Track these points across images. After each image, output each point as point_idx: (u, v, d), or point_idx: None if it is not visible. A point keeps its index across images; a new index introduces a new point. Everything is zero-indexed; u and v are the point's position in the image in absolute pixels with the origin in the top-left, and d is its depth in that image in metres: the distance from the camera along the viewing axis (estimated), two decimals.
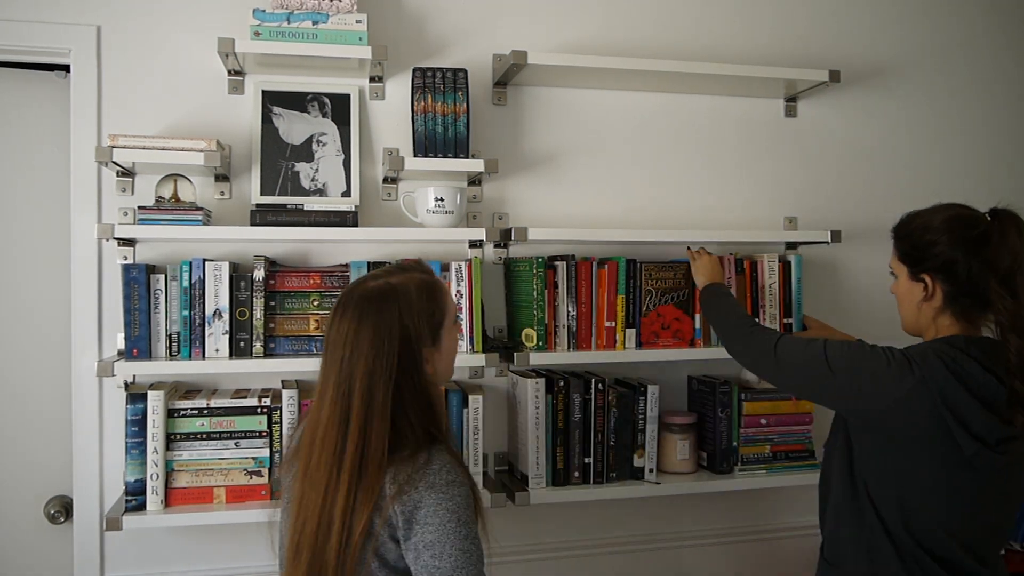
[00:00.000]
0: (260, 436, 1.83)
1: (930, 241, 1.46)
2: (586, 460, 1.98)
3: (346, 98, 1.99)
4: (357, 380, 1.25)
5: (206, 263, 1.81)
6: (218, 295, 1.81)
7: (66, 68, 1.92)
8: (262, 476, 1.83)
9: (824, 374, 1.46)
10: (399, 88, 2.07)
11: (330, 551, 1.21)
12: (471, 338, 1.91)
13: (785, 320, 2.11)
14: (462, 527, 1.21)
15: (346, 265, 1.91)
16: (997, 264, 1.39)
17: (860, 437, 1.46)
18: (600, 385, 1.98)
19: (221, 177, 1.95)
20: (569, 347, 1.96)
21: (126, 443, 1.76)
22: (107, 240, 1.83)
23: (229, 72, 1.97)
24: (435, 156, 1.94)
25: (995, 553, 1.46)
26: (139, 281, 1.78)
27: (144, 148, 1.75)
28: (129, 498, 1.76)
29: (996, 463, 1.35)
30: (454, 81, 1.96)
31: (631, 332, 2.01)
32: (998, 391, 1.34)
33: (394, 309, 1.28)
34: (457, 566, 1.19)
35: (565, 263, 1.96)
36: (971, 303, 1.44)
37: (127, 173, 1.91)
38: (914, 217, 1.54)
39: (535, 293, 1.94)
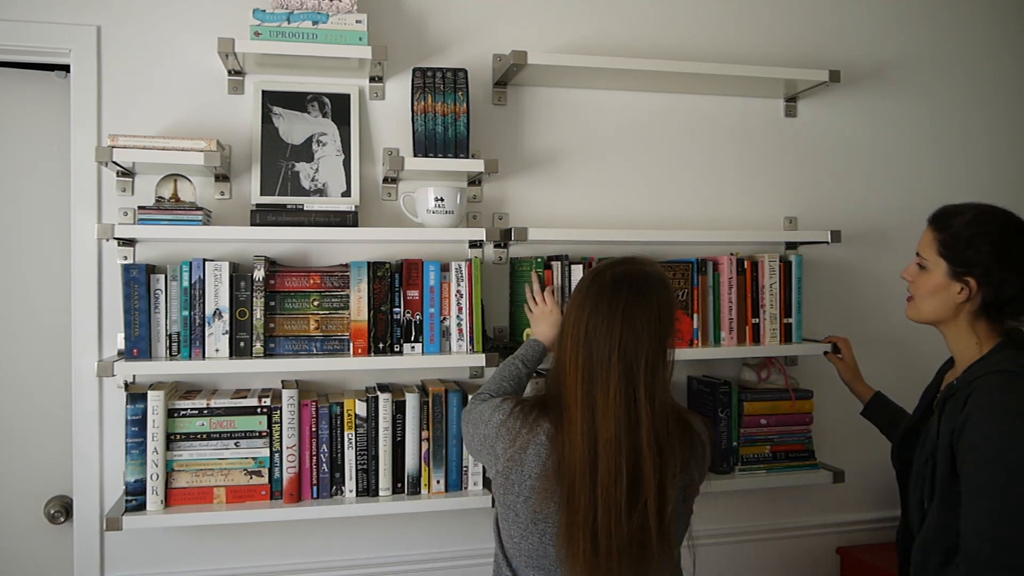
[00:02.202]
0: (260, 436, 1.83)
1: (984, 251, 1.48)
2: None
3: (346, 98, 1.99)
4: (641, 358, 1.35)
5: (206, 263, 1.81)
6: (218, 295, 1.81)
7: (66, 68, 1.92)
8: (262, 476, 1.83)
9: None
10: (399, 88, 2.07)
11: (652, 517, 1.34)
12: (471, 338, 1.91)
13: (785, 320, 2.11)
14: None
15: (346, 265, 1.91)
16: None
17: None
18: None
19: (221, 177, 1.96)
20: None
21: (126, 443, 1.77)
22: (107, 240, 1.83)
23: (229, 72, 1.97)
24: (435, 156, 1.94)
25: None
26: (139, 281, 1.78)
27: (144, 148, 1.75)
28: (129, 498, 1.76)
29: None
30: (454, 81, 1.96)
31: None
32: None
33: (662, 288, 1.41)
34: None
35: (559, 264, 1.96)
36: (1014, 311, 1.50)
37: (127, 173, 1.91)
38: (959, 214, 1.53)
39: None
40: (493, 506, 1.88)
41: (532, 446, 1.40)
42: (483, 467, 2.01)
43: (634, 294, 1.37)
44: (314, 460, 1.86)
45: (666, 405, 1.39)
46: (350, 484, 1.87)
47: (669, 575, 1.43)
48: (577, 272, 1.95)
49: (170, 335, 1.80)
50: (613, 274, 1.40)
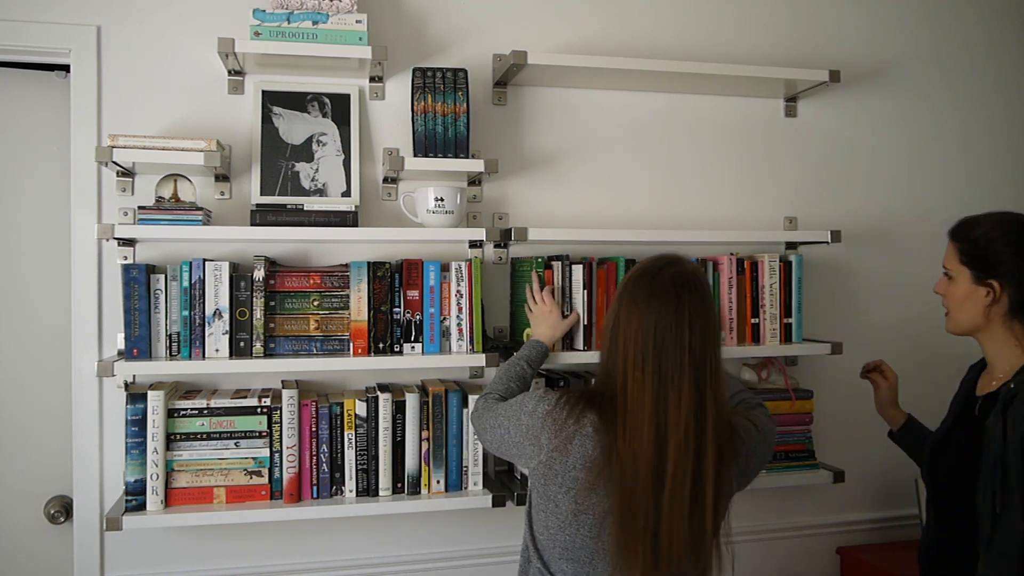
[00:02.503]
0: (260, 436, 1.83)
1: (1003, 253, 1.53)
2: None
3: (346, 98, 1.99)
4: (709, 356, 1.36)
5: (206, 263, 1.81)
6: (218, 295, 1.81)
7: (66, 68, 1.92)
8: (262, 476, 1.83)
9: None
10: (399, 88, 2.07)
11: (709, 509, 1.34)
12: (471, 338, 1.91)
13: (785, 320, 2.11)
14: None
15: (346, 265, 1.91)
16: None
17: None
18: None
19: (221, 177, 1.96)
20: (567, 347, 1.96)
21: (126, 443, 1.76)
22: (107, 240, 1.83)
23: (229, 72, 1.97)
24: (435, 156, 1.94)
25: None
26: (139, 281, 1.78)
27: (144, 148, 1.75)
28: (129, 498, 1.76)
29: None
30: (454, 81, 1.96)
31: None
32: None
33: (709, 286, 1.43)
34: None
35: (560, 263, 1.96)
36: None
37: (127, 173, 1.91)
38: (977, 224, 1.59)
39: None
40: (493, 506, 1.89)
41: (578, 437, 1.39)
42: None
43: (693, 294, 1.37)
44: (314, 460, 1.86)
45: (725, 402, 1.41)
46: (350, 484, 1.87)
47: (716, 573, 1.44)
48: (578, 272, 1.95)
49: (170, 335, 1.80)
50: (671, 275, 1.39)
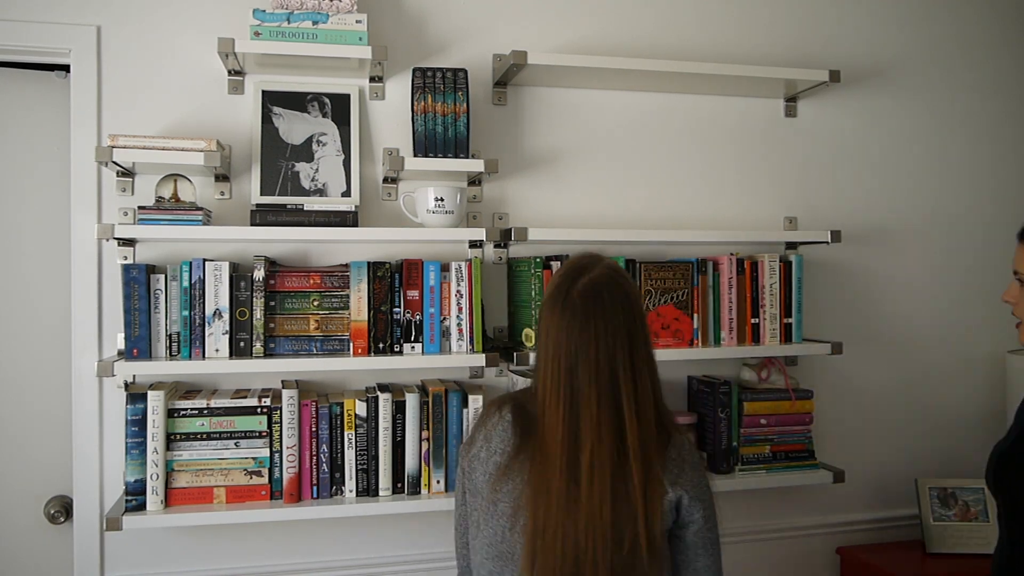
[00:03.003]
0: (260, 436, 1.83)
1: None
2: None
3: (346, 98, 1.99)
4: (621, 366, 1.27)
5: (206, 263, 1.81)
6: (218, 295, 1.81)
7: (66, 68, 1.92)
8: (262, 476, 1.83)
9: None
10: (399, 88, 2.07)
11: (634, 550, 1.23)
12: (471, 338, 1.91)
13: (785, 320, 2.11)
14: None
15: (346, 265, 1.91)
16: None
17: None
18: None
19: (221, 177, 1.96)
20: None
21: (126, 443, 1.77)
22: (107, 240, 1.83)
23: (229, 72, 1.97)
24: (435, 156, 1.94)
25: None
26: (139, 281, 1.78)
27: (144, 148, 1.75)
28: (129, 498, 1.76)
29: None
30: (454, 81, 1.96)
31: None
32: None
33: (630, 289, 1.33)
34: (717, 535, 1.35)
35: (559, 263, 1.96)
36: None
37: (127, 173, 1.91)
38: None
39: (533, 293, 1.94)
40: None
41: (501, 425, 1.37)
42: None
43: (600, 306, 1.29)
44: (314, 460, 1.86)
45: (650, 411, 1.29)
46: (350, 484, 1.87)
47: None
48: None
49: (170, 335, 1.80)
50: (580, 289, 1.30)
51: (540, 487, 1.27)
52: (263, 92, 1.95)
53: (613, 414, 1.26)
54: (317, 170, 1.95)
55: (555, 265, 1.95)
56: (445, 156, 1.94)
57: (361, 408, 1.88)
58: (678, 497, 1.29)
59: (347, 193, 1.96)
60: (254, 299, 1.82)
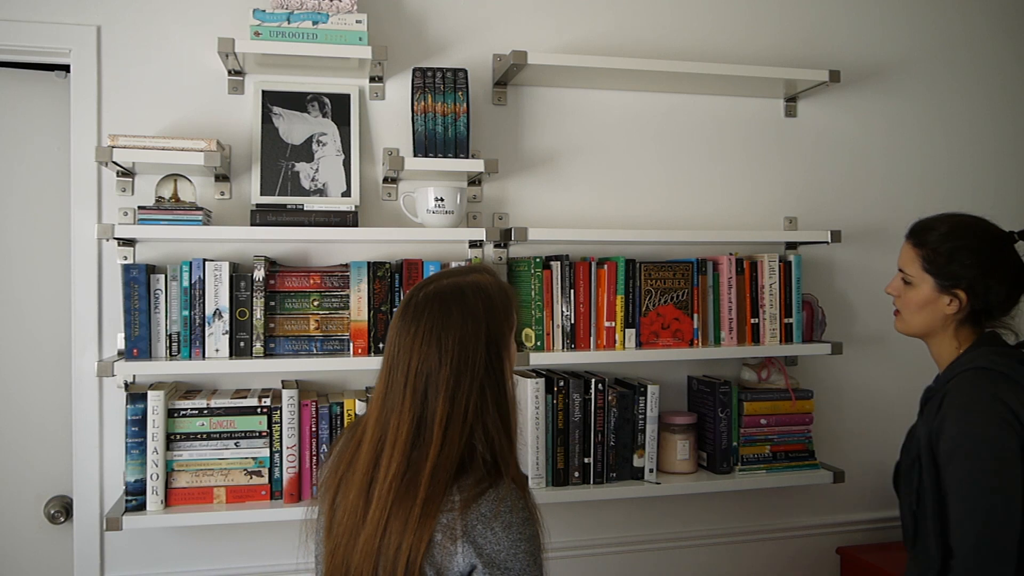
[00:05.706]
0: (260, 436, 1.83)
1: (967, 264, 1.50)
2: (586, 460, 1.98)
3: (346, 98, 1.99)
4: (441, 384, 1.15)
5: (206, 263, 1.81)
6: (218, 295, 1.81)
7: (66, 68, 1.92)
8: (262, 476, 1.83)
9: None
10: (399, 88, 2.07)
11: (393, 567, 1.10)
12: None
13: (786, 320, 2.11)
14: (538, 568, 1.14)
15: (346, 265, 1.91)
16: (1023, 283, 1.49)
17: None
18: (600, 385, 1.98)
19: (221, 177, 1.96)
20: (567, 347, 1.96)
21: (126, 443, 1.77)
22: (107, 240, 1.83)
23: (229, 72, 1.97)
24: (435, 156, 1.94)
25: None
26: (139, 281, 1.78)
27: (144, 148, 1.75)
28: (129, 498, 1.77)
29: None
30: (454, 81, 1.96)
31: (631, 332, 2.01)
32: None
33: (478, 305, 1.18)
34: None
35: (559, 263, 1.96)
36: (1000, 313, 1.53)
37: (127, 173, 1.91)
38: (936, 228, 1.55)
39: (533, 293, 1.94)
40: None
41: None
42: None
43: (435, 315, 1.18)
44: (314, 460, 1.86)
45: (460, 445, 1.14)
46: None
47: None
48: (578, 272, 1.95)
49: (170, 335, 1.80)
50: (423, 296, 1.21)
51: (343, 500, 1.19)
52: (263, 92, 1.95)
53: (414, 430, 1.15)
54: (317, 170, 1.95)
55: (555, 265, 1.96)
56: (445, 156, 1.94)
57: (361, 408, 1.88)
58: (469, 563, 1.09)
59: (347, 193, 1.96)
60: (254, 299, 1.83)
